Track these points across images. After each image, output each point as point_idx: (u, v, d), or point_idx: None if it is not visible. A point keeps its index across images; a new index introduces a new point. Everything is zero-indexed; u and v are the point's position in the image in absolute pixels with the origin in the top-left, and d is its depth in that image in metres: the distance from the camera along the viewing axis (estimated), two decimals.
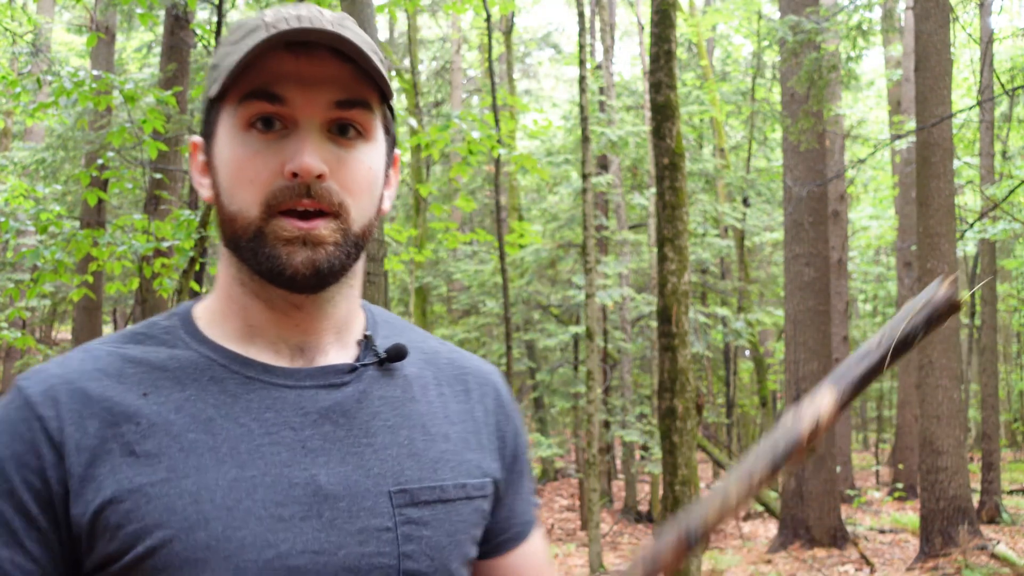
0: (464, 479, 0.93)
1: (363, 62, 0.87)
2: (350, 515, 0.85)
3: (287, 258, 0.85)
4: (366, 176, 0.90)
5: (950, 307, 0.81)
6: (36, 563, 0.81)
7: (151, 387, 0.86)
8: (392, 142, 0.97)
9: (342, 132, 0.88)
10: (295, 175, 0.85)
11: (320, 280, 0.87)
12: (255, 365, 0.89)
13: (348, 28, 0.88)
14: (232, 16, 13.42)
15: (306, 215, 0.86)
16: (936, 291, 0.80)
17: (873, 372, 0.82)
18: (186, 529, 0.80)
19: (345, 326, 0.95)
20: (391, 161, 0.97)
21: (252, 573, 0.81)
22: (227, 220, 0.88)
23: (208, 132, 0.92)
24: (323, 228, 0.86)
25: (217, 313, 0.93)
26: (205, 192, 0.93)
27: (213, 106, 0.90)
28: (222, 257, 0.93)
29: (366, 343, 0.95)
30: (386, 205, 0.96)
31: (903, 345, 0.81)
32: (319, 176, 0.85)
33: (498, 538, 1.01)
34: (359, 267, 0.95)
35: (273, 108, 0.86)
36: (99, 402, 0.84)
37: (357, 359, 0.94)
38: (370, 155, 0.90)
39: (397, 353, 0.95)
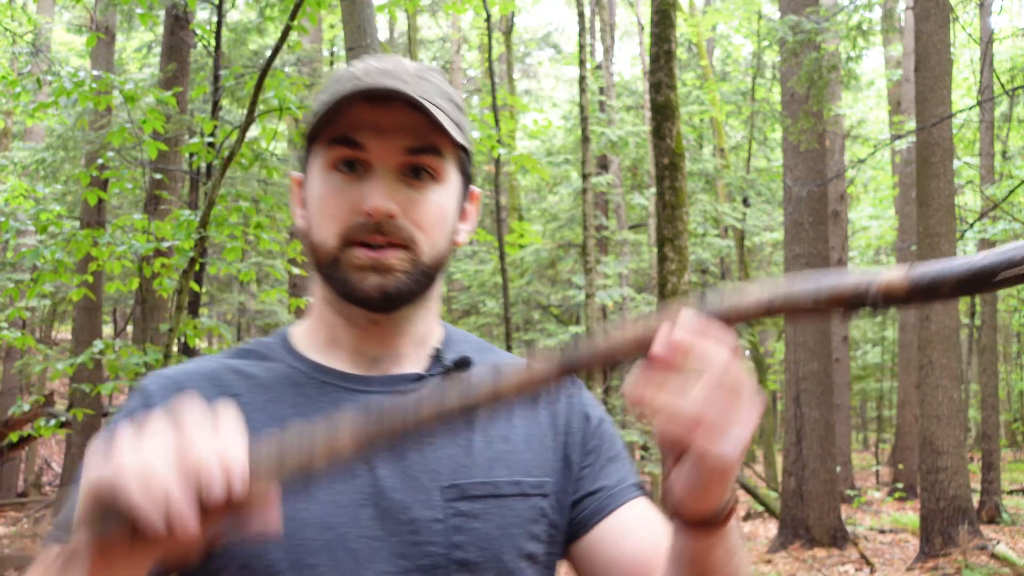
0: (520, 477, 1.01)
1: (430, 114, 0.95)
2: (404, 506, 0.95)
3: (358, 283, 0.97)
4: (436, 214, 1.00)
5: None
6: None
7: (241, 391, 0.99)
8: (468, 181, 1.07)
9: (415, 175, 0.99)
10: (369, 214, 0.96)
11: (389, 303, 0.98)
12: (333, 373, 1.02)
13: (427, 80, 0.99)
14: (232, 16, 13.41)
15: (378, 246, 0.97)
16: None
17: (960, 276, 0.69)
18: None
19: (421, 342, 1.06)
20: (467, 197, 1.08)
21: (311, 551, 0.91)
22: (313, 249, 1.01)
23: (305, 169, 1.04)
24: (392, 257, 0.97)
25: (309, 330, 1.07)
26: (301, 222, 1.05)
27: (309, 147, 1.03)
28: (315, 281, 1.06)
29: (436, 355, 1.05)
30: (462, 238, 1.07)
31: (1008, 265, 0.68)
32: (390, 215, 0.96)
33: (582, 513, 1.05)
34: (436, 291, 1.06)
35: (353, 153, 0.97)
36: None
37: (427, 370, 1.04)
38: (441, 195, 1.00)
39: (463, 363, 1.04)
